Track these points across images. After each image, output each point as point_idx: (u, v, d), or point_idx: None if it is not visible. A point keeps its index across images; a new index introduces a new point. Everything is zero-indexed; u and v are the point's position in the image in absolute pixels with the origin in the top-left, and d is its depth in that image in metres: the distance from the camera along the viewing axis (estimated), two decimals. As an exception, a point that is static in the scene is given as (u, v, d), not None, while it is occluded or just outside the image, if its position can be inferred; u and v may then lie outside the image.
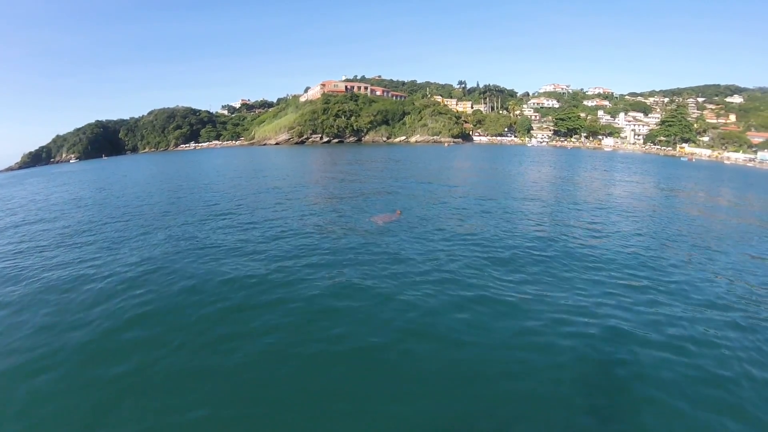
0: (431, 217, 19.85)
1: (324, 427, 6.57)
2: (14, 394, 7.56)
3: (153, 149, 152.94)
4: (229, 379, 7.70)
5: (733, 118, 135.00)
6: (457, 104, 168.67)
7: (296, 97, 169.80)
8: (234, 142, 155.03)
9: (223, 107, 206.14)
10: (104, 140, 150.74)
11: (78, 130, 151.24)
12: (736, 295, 11.58)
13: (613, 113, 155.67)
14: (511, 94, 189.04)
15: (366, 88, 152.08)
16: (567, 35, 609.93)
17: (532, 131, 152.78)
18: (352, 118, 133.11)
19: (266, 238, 16.27)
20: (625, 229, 18.64)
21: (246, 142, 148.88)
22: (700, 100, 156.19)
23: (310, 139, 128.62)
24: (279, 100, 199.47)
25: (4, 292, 12.45)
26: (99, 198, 31.80)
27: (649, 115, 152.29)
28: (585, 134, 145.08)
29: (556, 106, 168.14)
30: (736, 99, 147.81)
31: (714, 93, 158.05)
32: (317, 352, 8.38)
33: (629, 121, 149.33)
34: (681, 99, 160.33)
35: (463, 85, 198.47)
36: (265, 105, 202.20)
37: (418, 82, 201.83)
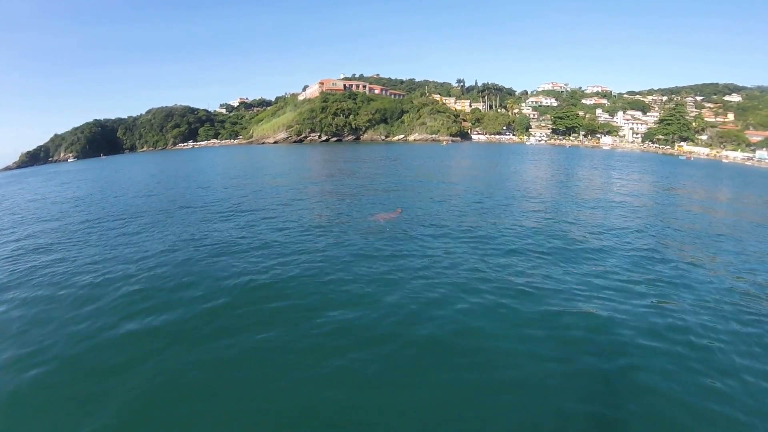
0: (431, 214, 19.91)
1: (322, 417, 6.62)
2: (6, 388, 7.61)
3: (151, 148, 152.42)
4: (225, 372, 7.73)
5: (731, 116, 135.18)
6: (455, 103, 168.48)
7: (294, 96, 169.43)
8: (232, 140, 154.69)
9: (222, 106, 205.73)
10: (102, 139, 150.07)
11: (76, 129, 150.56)
12: (736, 291, 11.61)
13: (612, 112, 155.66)
14: (510, 92, 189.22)
15: (364, 86, 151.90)
16: (566, 34, 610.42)
17: (530, 130, 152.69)
18: (351, 116, 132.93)
19: (266, 238, 16.23)
20: (623, 226, 18.65)
21: (244, 141, 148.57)
22: (699, 98, 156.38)
23: (308, 138, 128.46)
24: (277, 98, 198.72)
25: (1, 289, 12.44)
26: (97, 197, 31.70)
27: (648, 114, 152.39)
28: (583, 133, 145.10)
29: (555, 104, 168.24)
30: (735, 98, 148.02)
31: (712, 92, 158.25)
32: (316, 345, 8.37)
33: (628, 120, 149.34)
34: (679, 98, 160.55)
35: (462, 84, 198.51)
36: (264, 104, 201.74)
37: (417, 80, 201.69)
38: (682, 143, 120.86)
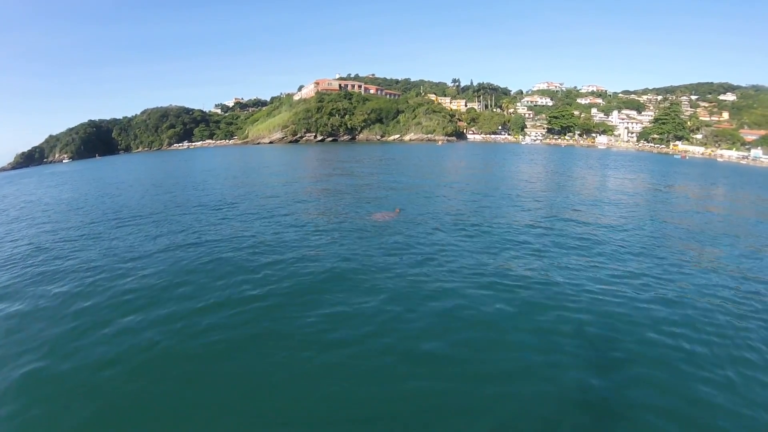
0: (429, 214, 20.00)
1: (317, 410, 6.68)
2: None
3: (146, 149, 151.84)
4: (218, 366, 7.81)
5: (726, 115, 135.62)
6: (450, 102, 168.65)
7: (290, 96, 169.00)
8: (227, 141, 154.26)
9: (217, 106, 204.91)
10: (97, 140, 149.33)
11: (71, 129, 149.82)
12: (732, 286, 11.62)
13: (607, 111, 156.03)
14: (505, 92, 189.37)
15: (360, 86, 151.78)
16: (561, 33, 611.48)
17: (525, 129, 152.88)
18: (346, 116, 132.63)
19: (262, 238, 16.16)
20: (618, 224, 18.67)
21: (239, 141, 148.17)
22: (694, 97, 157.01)
23: (304, 138, 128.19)
24: (273, 98, 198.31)
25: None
26: (92, 197, 31.49)
27: (643, 113, 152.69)
28: (579, 132, 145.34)
29: (550, 104, 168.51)
30: (729, 97, 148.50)
31: (707, 91, 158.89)
32: (311, 341, 8.37)
33: (623, 119, 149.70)
34: (674, 97, 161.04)
35: (457, 84, 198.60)
36: (259, 104, 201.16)
37: (412, 80, 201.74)
38: (677, 142, 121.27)
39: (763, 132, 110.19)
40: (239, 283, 11.44)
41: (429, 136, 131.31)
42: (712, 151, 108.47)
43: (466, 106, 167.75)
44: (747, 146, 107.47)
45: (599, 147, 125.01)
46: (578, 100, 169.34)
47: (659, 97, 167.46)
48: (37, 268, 14.18)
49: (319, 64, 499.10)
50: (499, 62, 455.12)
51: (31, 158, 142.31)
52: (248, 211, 21.45)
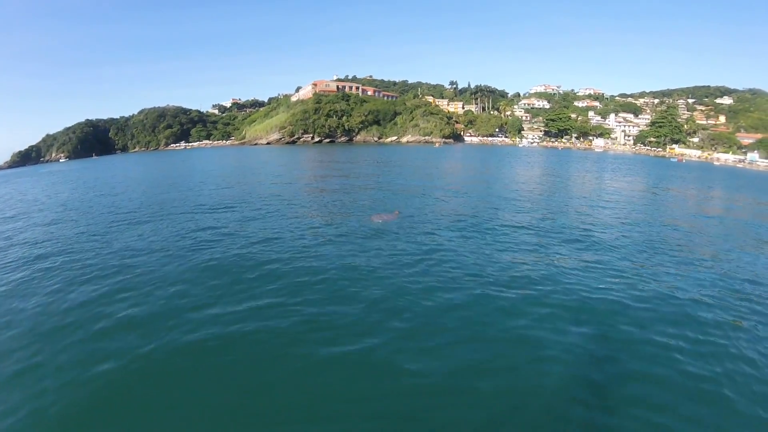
0: (428, 215, 20.12)
1: (315, 406, 6.70)
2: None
3: (143, 149, 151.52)
4: (212, 360, 7.87)
5: (722, 119, 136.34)
6: (448, 104, 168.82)
7: (287, 97, 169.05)
8: (225, 141, 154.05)
9: (214, 106, 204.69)
10: (94, 139, 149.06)
11: (68, 129, 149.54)
12: (731, 289, 11.63)
13: (604, 114, 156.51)
14: (502, 94, 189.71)
15: (357, 88, 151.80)
16: (558, 36, 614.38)
17: (522, 132, 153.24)
18: (344, 118, 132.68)
19: (260, 237, 16.13)
20: (615, 225, 18.71)
21: (237, 142, 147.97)
22: (690, 101, 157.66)
23: (301, 139, 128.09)
24: (270, 99, 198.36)
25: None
26: (88, 197, 31.36)
27: (640, 116, 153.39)
28: (576, 135, 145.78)
29: (547, 106, 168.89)
30: (726, 100, 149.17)
31: (704, 94, 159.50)
32: (308, 338, 8.35)
33: (620, 122, 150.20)
34: (671, 100, 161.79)
35: (455, 86, 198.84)
36: (256, 104, 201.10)
37: (410, 82, 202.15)
38: (674, 145, 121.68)
39: (759, 135, 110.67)
40: (235, 283, 11.40)
41: (426, 138, 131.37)
42: (708, 154, 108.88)
43: (463, 108, 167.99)
44: (743, 150, 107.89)
45: (596, 150, 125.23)
46: (575, 103, 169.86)
47: (656, 101, 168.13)
48: (32, 266, 14.11)
49: (316, 66, 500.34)
50: (496, 65, 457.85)
51: (28, 157, 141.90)
52: (246, 211, 21.38)
